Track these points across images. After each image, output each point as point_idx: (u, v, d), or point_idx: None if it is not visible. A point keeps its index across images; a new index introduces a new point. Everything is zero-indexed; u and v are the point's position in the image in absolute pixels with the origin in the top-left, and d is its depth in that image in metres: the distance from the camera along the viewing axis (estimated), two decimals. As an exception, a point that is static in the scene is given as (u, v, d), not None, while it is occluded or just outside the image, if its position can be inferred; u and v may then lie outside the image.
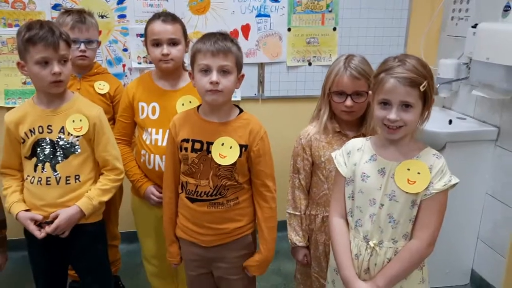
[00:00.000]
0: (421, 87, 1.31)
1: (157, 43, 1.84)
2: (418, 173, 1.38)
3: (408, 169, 1.38)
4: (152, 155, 1.87)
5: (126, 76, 2.69)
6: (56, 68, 1.55)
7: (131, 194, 2.05)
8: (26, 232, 1.67)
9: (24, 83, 2.61)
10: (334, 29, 2.85)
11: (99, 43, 2.13)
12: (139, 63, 2.69)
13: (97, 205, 1.67)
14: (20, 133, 1.63)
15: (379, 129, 1.63)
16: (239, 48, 1.53)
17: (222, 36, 1.50)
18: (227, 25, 2.69)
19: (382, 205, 1.41)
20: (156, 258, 2.05)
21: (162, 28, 1.83)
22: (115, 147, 1.75)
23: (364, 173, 1.44)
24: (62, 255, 1.73)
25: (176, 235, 1.70)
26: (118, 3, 2.59)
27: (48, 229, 1.60)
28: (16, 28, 2.50)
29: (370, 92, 1.45)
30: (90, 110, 1.68)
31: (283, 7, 2.76)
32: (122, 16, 2.61)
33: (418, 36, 2.91)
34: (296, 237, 1.81)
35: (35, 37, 1.54)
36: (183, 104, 1.87)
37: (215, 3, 2.68)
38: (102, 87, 2.10)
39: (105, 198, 1.70)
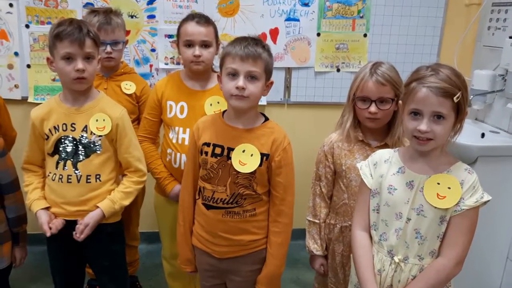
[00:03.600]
0: (454, 98, 1.25)
1: (189, 44, 1.84)
2: (449, 187, 1.31)
3: (438, 183, 1.32)
4: (178, 154, 1.88)
5: (153, 76, 2.69)
6: (80, 64, 1.56)
7: (154, 192, 2.05)
8: (46, 229, 1.67)
9: (53, 80, 2.63)
10: (365, 35, 2.78)
11: (125, 42, 2.14)
12: (166, 64, 2.69)
13: (118, 209, 1.67)
14: (44, 130, 1.64)
15: (405, 140, 1.57)
16: (270, 55, 1.50)
17: (253, 41, 1.47)
18: (255, 28, 2.67)
19: (408, 219, 1.35)
20: (175, 258, 2.02)
21: (195, 30, 1.83)
22: (138, 149, 1.74)
23: (391, 186, 1.38)
24: (80, 254, 1.73)
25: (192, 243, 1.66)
26: (148, 4, 2.59)
27: (80, 237, 1.62)
28: (48, 26, 2.56)
29: (400, 102, 1.40)
30: (114, 111, 1.68)
31: (313, 11, 2.71)
32: (152, 17, 2.62)
33: (452, 45, 2.82)
34: (314, 245, 1.77)
35: (62, 33, 1.55)
36: (211, 104, 1.88)
37: (244, 5, 2.66)
38: (129, 87, 2.10)
39: (127, 202, 1.69)
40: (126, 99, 2.09)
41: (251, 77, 1.45)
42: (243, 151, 1.49)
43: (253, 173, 1.49)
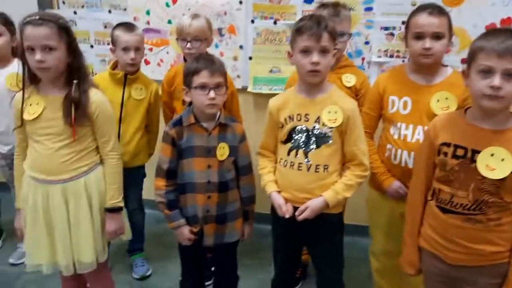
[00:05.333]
0: None
1: (419, 36, 1.76)
2: None
3: None
4: (399, 150, 1.84)
5: (364, 69, 2.67)
6: (315, 57, 1.61)
7: (368, 187, 2.04)
8: (273, 210, 1.81)
9: (270, 71, 2.83)
10: None
11: (349, 35, 2.16)
12: (379, 57, 2.65)
13: (341, 199, 1.70)
14: (280, 118, 1.76)
15: None
16: None
17: (511, 33, 1.32)
18: (483, 18, 2.41)
19: None
20: (384, 254, 2.03)
21: (427, 21, 1.74)
22: (364, 143, 1.74)
23: None
24: (301, 238, 1.83)
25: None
26: (366, -4, 2.58)
27: (299, 217, 1.69)
28: (270, 21, 2.75)
29: None
30: (346, 103, 1.71)
31: None
32: (369, 9, 2.60)
33: None
34: None
35: (302, 27, 1.64)
36: (438, 101, 1.78)
37: (473, -6, 2.44)
38: (349, 80, 2.13)
39: (349, 193, 1.71)
40: (346, 91, 2.09)
41: (509, 75, 1.30)
42: (492, 154, 1.36)
43: (503, 179, 1.35)
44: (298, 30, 1.65)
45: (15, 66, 2.38)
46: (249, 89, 2.89)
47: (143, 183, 2.53)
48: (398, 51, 2.61)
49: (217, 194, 1.83)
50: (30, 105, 1.66)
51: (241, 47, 2.86)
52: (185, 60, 2.35)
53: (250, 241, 2.03)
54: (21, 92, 1.69)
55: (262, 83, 2.87)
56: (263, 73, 2.86)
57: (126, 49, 2.23)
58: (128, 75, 2.31)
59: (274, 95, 1.86)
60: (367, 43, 2.65)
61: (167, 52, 3.00)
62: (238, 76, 2.90)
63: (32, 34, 1.55)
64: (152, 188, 1.85)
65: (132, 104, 2.33)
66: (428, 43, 1.74)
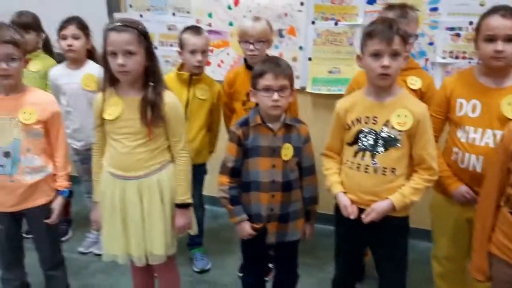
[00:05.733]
0: None
1: (491, 39, 1.73)
2: None
3: None
4: (467, 154, 1.82)
5: (427, 70, 2.62)
6: (386, 61, 1.62)
7: (433, 191, 2.01)
8: (337, 210, 1.82)
9: (330, 72, 2.84)
10: None
11: (416, 37, 2.14)
12: (444, 58, 2.59)
13: (408, 203, 1.69)
14: (347, 120, 1.77)
15: None
16: None
17: None
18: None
19: None
20: (447, 259, 2.01)
21: (499, 23, 1.72)
22: (434, 147, 1.73)
23: None
24: (365, 239, 1.84)
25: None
26: (432, -4, 2.54)
27: (365, 219, 1.70)
28: (331, 22, 2.76)
29: None
30: (416, 107, 1.70)
31: None
32: (434, 9, 2.55)
33: None
34: None
35: (373, 31, 1.65)
36: (509, 104, 1.75)
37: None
38: (414, 82, 2.11)
39: (417, 197, 1.70)
40: (411, 94, 2.09)
41: None
42: None
43: None
44: (369, 34, 1.66)
45: (90, 67, 2.54)
46: (307, 90, 2.91)
47: (204, 180, 2.62)
48: (464, 52, 2.54)
49: (281, 193, 1.87)
50: (110, 106, 1.76)
51: (300, 48, 2.88)
52: (245, 61, 2.42)
53: (310, 240, 2.06)
54: (101, 93, 1.79)
55: (321, 84, 2.88)
56: (322, 73, 2.87)
57: (193, 52, 2.31)
58: (193, 76, 2.39)
59: (332, 95, 1.87)
60: (431, 43, 2.61)
61: (228, 53, 3.07)
62: (297, 77, 2.91)
63: (115, 40, 1.65)
64: (210, 184, 1.90)
65: (196, 103, 2.42)
66: (500, 45, 1.71)
